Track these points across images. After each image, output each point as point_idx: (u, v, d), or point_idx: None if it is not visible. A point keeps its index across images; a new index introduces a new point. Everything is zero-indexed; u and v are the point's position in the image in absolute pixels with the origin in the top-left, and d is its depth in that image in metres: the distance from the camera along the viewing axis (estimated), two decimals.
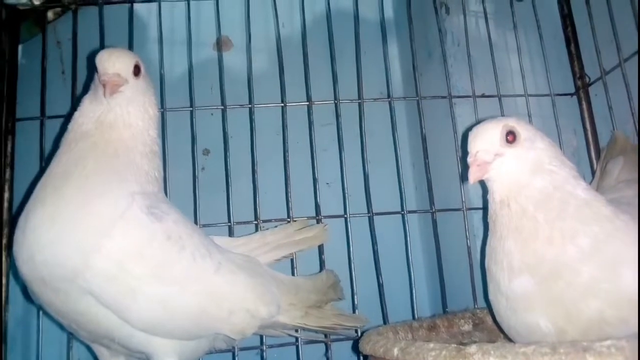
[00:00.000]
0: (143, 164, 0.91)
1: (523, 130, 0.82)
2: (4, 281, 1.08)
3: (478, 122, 0.86)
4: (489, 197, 0.85)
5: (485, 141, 0.81)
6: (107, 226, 0.82)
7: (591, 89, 1.29)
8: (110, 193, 0.85)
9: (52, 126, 1.17)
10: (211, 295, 0.90)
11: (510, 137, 0.81)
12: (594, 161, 1.24)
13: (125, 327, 0.84)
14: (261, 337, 1.11)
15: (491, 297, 0.85)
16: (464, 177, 1.17)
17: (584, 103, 1.29)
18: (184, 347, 0.91)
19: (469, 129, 0.86)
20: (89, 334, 0.90)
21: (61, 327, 0.93)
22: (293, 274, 1.13)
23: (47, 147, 1.14)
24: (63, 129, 0.96)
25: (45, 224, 0.81)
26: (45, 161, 1.10)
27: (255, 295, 0.95)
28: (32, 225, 0.81)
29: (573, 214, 0.77)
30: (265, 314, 0.95)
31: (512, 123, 0.82)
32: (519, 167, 0.81)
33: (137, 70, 0.93)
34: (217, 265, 0.92)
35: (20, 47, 1.31)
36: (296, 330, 1.09)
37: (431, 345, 0.68)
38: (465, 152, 0.86)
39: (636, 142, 1.07)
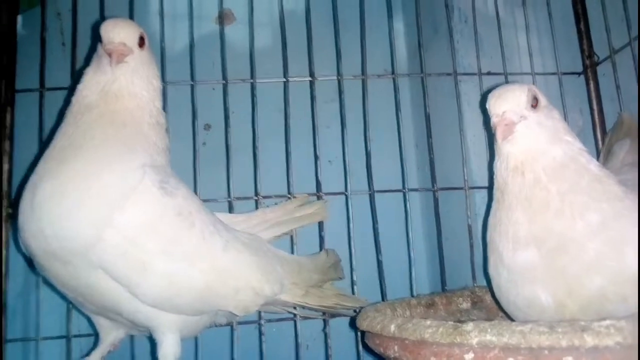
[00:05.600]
0: (151, 135, 0.91)
1: (542, 99, 0.82)
2: (3, 253, 1.07)
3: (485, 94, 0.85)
4: (499, 164, 0.83)
5: (513, 102, 0.81)
6: (120, 200, 0.81)
7: (599, 69, 1.26)
8: (121, 165, 0.84)
9: (52, 98, 1.15)
10: (218, 273, 0.90)
11: (534, 102, 0.81)
12: (600, 142, 1.22)
13: (134, 302, 0.84)
14: (259, 312, 1.11)
15: (491, 270, 0.85)
16: (466, 153, 1.16)
17: (591, 82, 1.26)
18: (186, 322, 0.91)
19: (488, 92, 0.84)
20: (96, 307, 0.90)
21: (61, 298, 0.93)
22: (293, 251, 1.13)
23: (47, 119, 1.13)
24: (64, 101, 0.95)
25: (55, 197, 0.79)
26: (48, 134, 1.09)
27: (260, 273, 0.95)
28: (40, 199, 0.80)
29: (585, 188, 0.77)
30: (269, 293, 0.96)
31: (534, 88, 0.83)
32: (540, 133, 0.80)
33: (141, 42, 0.93)
34: (225, 243, 0.92)
35: (19, 18, 1.29)
36: (295, 308, 1.09)
37: (428, 322, 0.68)
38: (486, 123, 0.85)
39: None
